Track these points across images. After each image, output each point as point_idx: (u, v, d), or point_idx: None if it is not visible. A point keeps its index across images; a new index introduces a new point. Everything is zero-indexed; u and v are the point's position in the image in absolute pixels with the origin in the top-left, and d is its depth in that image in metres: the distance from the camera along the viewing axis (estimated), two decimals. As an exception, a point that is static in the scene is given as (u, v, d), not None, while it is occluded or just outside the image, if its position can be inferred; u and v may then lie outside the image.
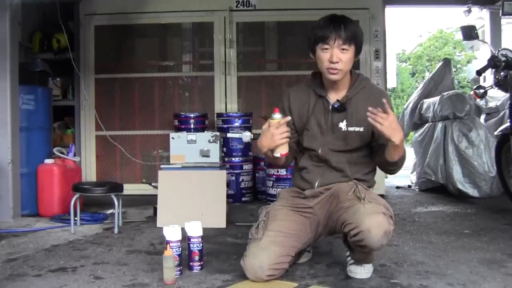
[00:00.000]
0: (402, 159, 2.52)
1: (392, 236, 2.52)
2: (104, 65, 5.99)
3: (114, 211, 3.85)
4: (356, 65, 5.70)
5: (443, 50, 25.67)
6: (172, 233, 2.65)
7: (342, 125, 2.62)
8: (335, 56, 2.51)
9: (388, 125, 2.34)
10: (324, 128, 2.64)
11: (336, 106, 2.62)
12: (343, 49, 2.51)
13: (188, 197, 4.00)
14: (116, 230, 3.77)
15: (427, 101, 6.15)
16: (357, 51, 2.57)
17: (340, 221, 2.49)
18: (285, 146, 2.52)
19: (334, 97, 2.65)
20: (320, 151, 2.64)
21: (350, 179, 2.61)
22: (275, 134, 2.47)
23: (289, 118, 2.56)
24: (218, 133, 4.25)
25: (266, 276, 2.44)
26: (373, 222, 2.33)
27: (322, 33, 2.52)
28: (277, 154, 2.53)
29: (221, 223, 3.89)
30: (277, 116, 2.50)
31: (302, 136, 2.71)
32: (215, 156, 4.17)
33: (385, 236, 2.36)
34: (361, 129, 2.61)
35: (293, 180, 2.84)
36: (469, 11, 7.06)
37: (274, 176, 4.95)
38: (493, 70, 4.49)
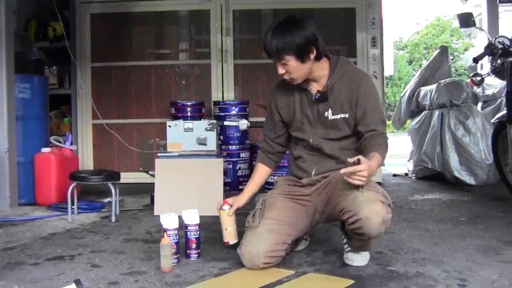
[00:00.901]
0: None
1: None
2: (101, 53, 5.97)
3: (111, 200, 3.85)
4: (353, 52, 5.78)
5: (441, 38, 25.64)
6: (169, 221, 2.65)
7: (328, 114, 2.61)
8: (279, 70, 2.53)
9: (368, 177, 2.31)
10: (312, 119, 2.64)
11: (317, 97, 2.61)
12: (282, 63, 2.50)
13: (185, 185, 4.00)
14: (113, 219, 3.77)
15: (424, 89, 6.14)
16: (300, 56, 2.47)
17: (338, 209, 2.49)
18: (232, 235, 2.73)
19: (316, 87, 2.63)
20: (311, 140, 2.65)
21: (346, 166, 2.60)
22: (223, 225, 2.72)
23: (235, 208, 2.75)
24: (215, 121, 4.25)
25: (263, 264, 2.45)
26: (371, 210, 2.33)
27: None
28: (224, 238, 2.74)
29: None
30: (225, 208, 2.74)
31: (292, 129, 2.73)
32: (212, 144, 4.17)
33: (383, 224, 2.36)
34: (346, 115, 2.60)
35: (290, 169, 2.85)
36: (467, -2, 7.03)
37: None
38: (490, 57, 4.47)
